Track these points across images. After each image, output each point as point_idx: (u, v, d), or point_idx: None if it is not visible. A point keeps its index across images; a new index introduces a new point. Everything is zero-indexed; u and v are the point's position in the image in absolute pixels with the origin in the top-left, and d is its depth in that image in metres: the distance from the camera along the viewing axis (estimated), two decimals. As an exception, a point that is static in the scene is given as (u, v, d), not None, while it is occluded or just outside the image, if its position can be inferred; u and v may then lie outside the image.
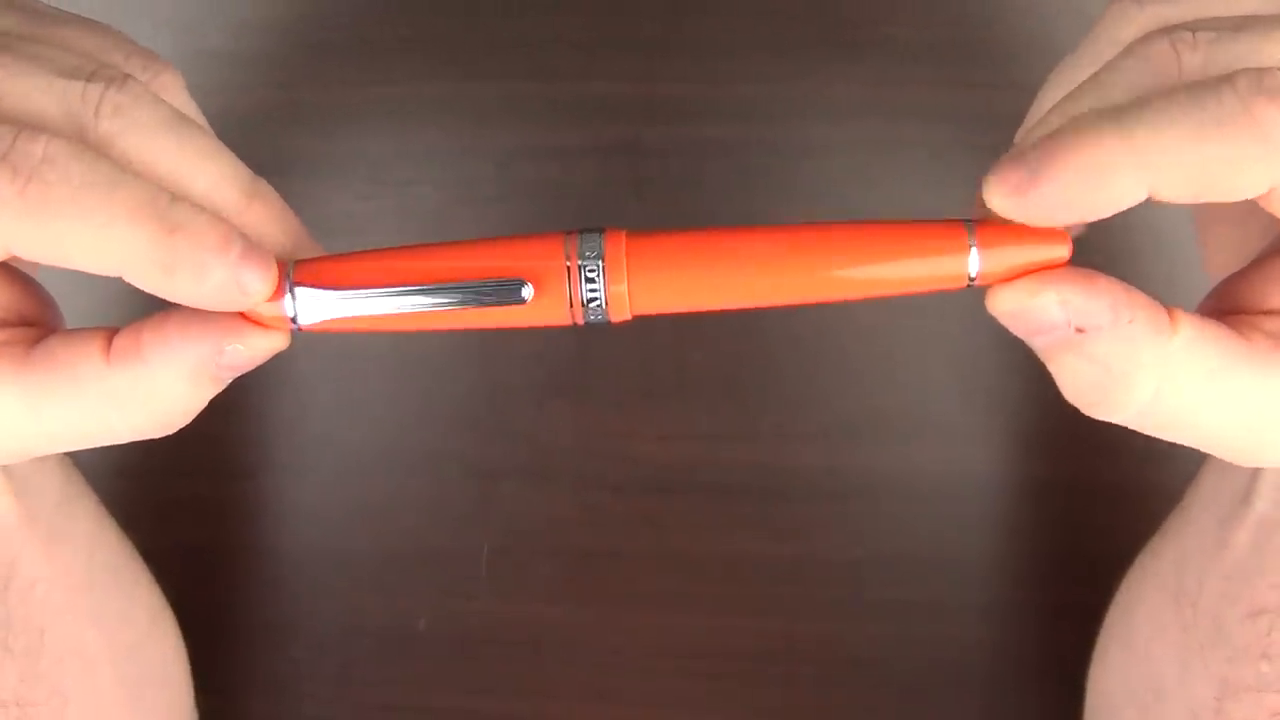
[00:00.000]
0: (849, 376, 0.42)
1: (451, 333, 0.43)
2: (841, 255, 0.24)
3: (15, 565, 0.29)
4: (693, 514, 0.42)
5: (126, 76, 0.24)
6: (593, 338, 0.42)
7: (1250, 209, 0.26)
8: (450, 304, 0.24)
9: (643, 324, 0.41)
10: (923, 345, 0.42)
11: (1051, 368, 0.24)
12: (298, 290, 0.25)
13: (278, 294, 0.24)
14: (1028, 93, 0.41)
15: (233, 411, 0.42)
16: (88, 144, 0.23)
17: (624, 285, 0.25)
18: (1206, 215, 0.29)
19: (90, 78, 0.24)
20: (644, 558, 0.42)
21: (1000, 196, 0.23)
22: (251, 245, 0.24)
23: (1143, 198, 0.22)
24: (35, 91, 0.23)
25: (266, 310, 0.24)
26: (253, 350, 0.25)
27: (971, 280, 0.24)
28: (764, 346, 0.42)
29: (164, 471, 0.43)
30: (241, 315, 0.24)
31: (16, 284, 0.26)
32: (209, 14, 0.43)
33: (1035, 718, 0.41)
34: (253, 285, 0.23)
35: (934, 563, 0.41)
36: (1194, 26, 0.24)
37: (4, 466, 0.29)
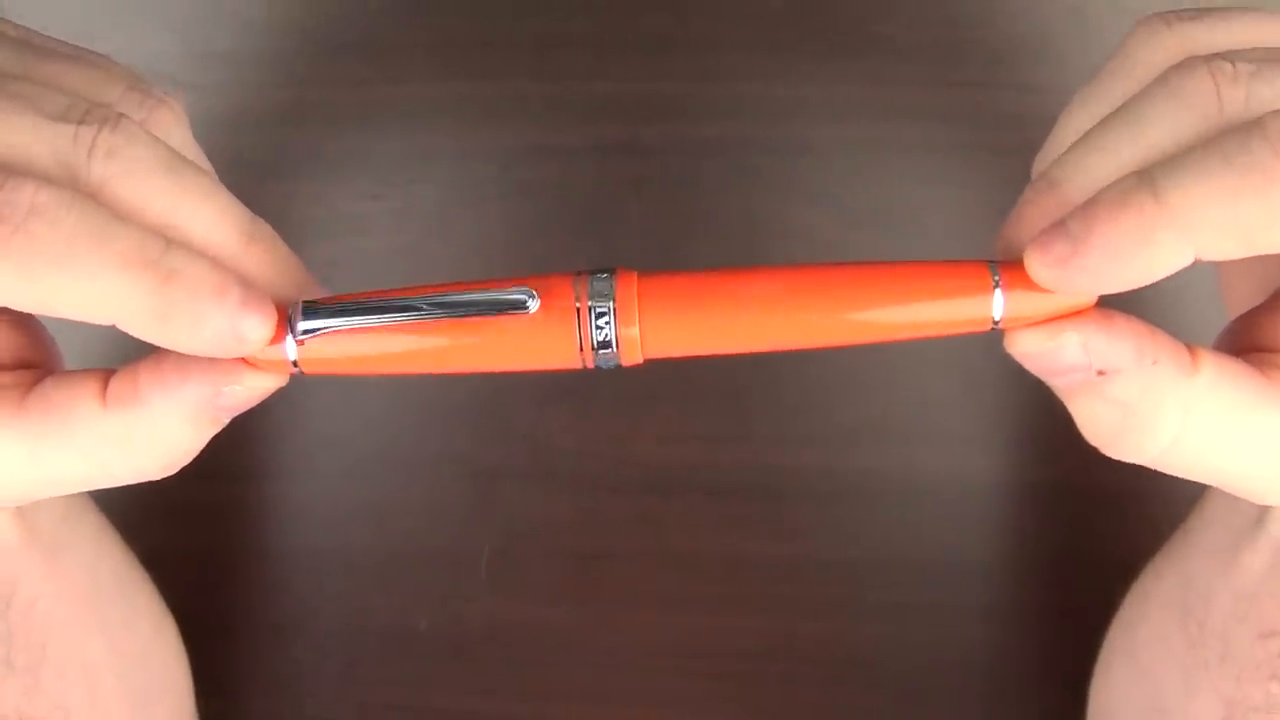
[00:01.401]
0: (849, 378, 0.42)
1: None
2: (862, 298, 0.24)
3: (17, 583, 0.29)
4: (692, 515, 0.42)
5: (120, 116, 0.23)
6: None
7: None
8: (454, 314, 0.24)
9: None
10: (923, 347, 0.42)
11: (1071, 409, 0.24)
12: (302, 309, 0.24)
13: (278, 337, 0.24)
14: (1023, 93, 0.41)
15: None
16: (80, 189, 0.23)
17: (636, 329, 0.24)
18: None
19: (82, 120, 0.23)
20: (643, 558, 0.42)
21: (1044, 268, 0.22)
22: (250, 291, 0.23)
23: (1189, 261, 0.22)
24: (25, 136, 0.23)
25: (266, 354, 0.24)
26: (251, 391, 0.24)
27: (996, 324, 0.23)
28: (764, 347, 0.42)
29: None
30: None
31: (13, 326, 0.25)
32: (215, 14, 0.43)
33: (1035, 719, 0.41)
34: (251, 333, 0.23)
35: (933, 564, 0.41)
36: (1231, 57, 0.23)
37: None
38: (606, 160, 0.42)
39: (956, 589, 0.41)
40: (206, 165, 0.26)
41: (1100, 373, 0.23)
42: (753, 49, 0.42)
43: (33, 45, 0.25)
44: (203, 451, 0.43)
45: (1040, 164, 0.26)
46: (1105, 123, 0.24)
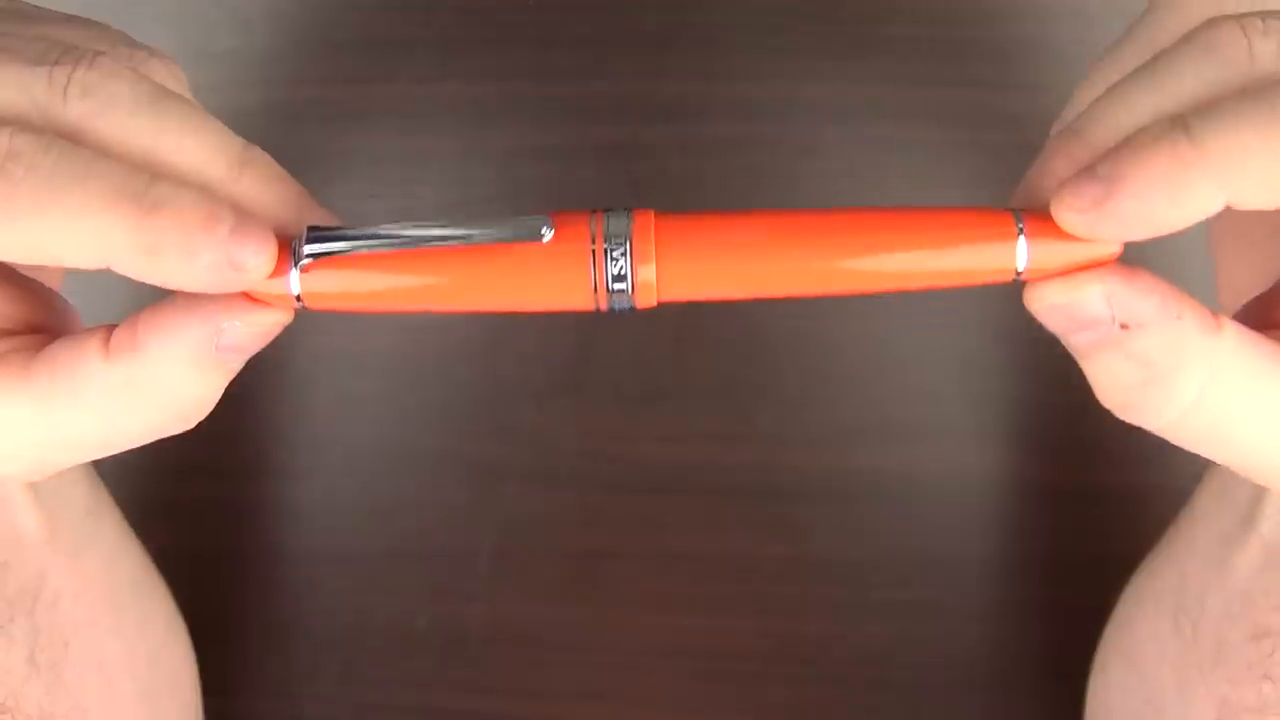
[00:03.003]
0: (850, 377, 0.42)
1: (453, 332, 0.43)
2: (884, 243, 0.23)
3: (43, 580, 0.29)
4: (692, 514, 0.42)
5: (97, 54, 0.23)
6: (593, 337, 0.42)
7: (1273, 231, 0.26)
8: (467, 241, 0.23)
9: (644, 324, 0.42)
10: (923, 347, 0.42)
11: (1089, 368, 0.23)
12: (306, 234, 0.23)
13: (280, 269, 0.23)
14: (1027, 92, 0.41)
15: (232, 412, 0.42)
16: (60, 131, 0.22)
17: (652, 270, 0.23)
18: (1224, 238, 0.29)
19: (58, 61, 0.22)
20: (644, 558, 0.42)
21: (1073, 213, 0.22)
22: (244, 219, 0.22)
23: (1220, 207, 0.21)
24: (1, 85, 0.22)
25: (268, 288, 0.23)
26: (253, 328, 0.23)
27: (1018, 274, 0.23)
28: (764, 347, 0.42)
29: (164, 473, 0.43)
30: (243, 293, 0.23)
31: (19, 291, 0.25)
32: (214, 13, 0.43)
33: (1035, 717, 0.41)
34: (249, 260, 0.22)
35: (934, 563, 0.41)
36: (1262, 15, 0.22)
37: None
38: (606, 160, 0.42)
39: (958, 587, 0.41)
40: (193, 101, 0.25)
41: (1124, 326, 0.22)
42: (753, 49, 0.42)
43: (23, 13, 0.25)
44: (201, 448, 0.43)
45: (1061, 122, 0.25)
46: (1132, 76, 0.23)
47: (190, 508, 0.43)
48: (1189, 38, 0.23)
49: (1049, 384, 0.41)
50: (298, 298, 0.23)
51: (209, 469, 0.43)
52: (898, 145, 0.41)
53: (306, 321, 0.43)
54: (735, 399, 0.42)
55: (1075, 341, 0.23)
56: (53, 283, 0.27)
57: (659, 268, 0.23)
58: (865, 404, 0.42)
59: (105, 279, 0.31)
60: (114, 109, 0.22)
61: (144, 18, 0.43)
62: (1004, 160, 0.39)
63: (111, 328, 0.24)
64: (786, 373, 0.42)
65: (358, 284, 0.23)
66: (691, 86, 0.42)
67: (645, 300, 0.24)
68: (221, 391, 0.24)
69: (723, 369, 0.42)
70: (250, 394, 0.43)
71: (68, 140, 0.22)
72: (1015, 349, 0.41)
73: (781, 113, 0.42)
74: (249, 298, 0.23)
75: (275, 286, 0.23)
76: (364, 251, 0.23)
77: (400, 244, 0.23)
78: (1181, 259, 0.23)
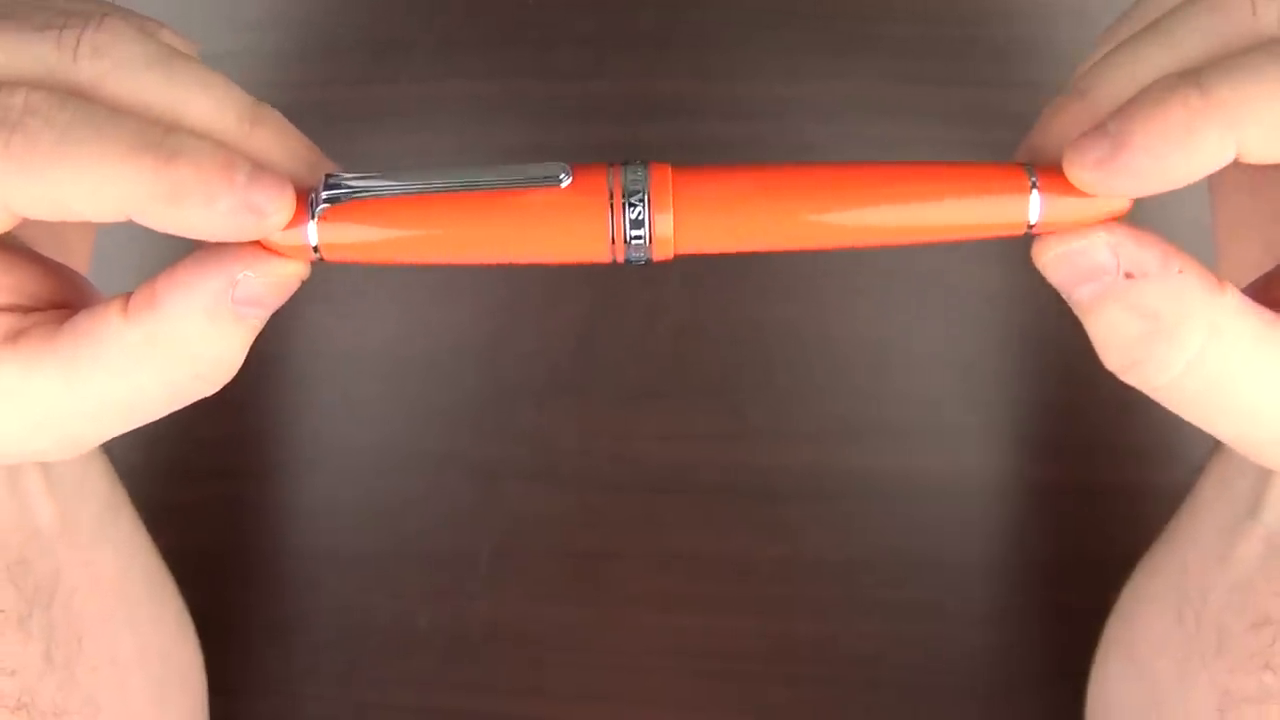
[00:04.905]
0: (849, 376, 0.42)
1: (454, 332, 0.43)
2: (900, 194, 0.23)
3: (58, 575, 0.29)
4: (692, 514, 0.42)
5: (104, 16, 0.23)
6: (594, 336, 0.42)
7: (1275, 216, 0.26)
8: (484, 186, 0.23)
9: (645, 322, 0.42)
10: (921, 346, 0.42)
11: (1092, 324, 0.23)
12: (324, 180, 0.23)
13: (298, 219, 0.23)
14: (1027, 92, 0.41)
15: (233, 412, 0.42)
16: (72, 92, 0.22)
17: (669, 221, 0.23)
18: (1228, 225, 0.29)
19: (65, 24, 0.23)
20: (644, 558, 0.42)
21: (1084, 170, 0.22)
22: (260, 167, 0.22)
23: (1231, 158, 0.22)
24: (10, 50, 0.23)
25: (284, 239, 0.23)
26: (268, 278, 0.23)
27: (1030, 227, 0.23)
28: (763, 346, 0.42)
29: (164, 471, 0.43)
30: (259, 245, 0.23)
31: (44, 269, 0.25)
32: (214, 14, 0.43)
33: (1035, 718, 0.41)
34: (267, 205, 0.22)
35: (933, 563, 0.41)
36: None
37: (48, 474, 0.29)
38: (607, 158, 0.42)
39: (956, 588, 0.41)
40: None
41: (1128, 275, 0.23)
42: (753, 47, 0.42)
43: None
44: (201, 447, 0.43)
45: (1076, 78, 0.25)
46: (1137, 36, 0.23)
47: (191, 507, 0.43)
48: (1193, 1, 0.23)
49: (1050, 384, 0.40)
50: (315, 248, 0.23)
51: (210, 468, 0.43)
52: (897, 144, 0.41)
53: (308, 321, 0.43)
54: (736, 398, 0.42)
55: (1079, 296, 0.23)
56: (79, 268, 0.27)
57: (677, 219, 0.23)
58: (864, 403, 0.42)
59: (128, 267, 0.31)
60: (125, 67, 0.23)
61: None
62: (1003, 159, 0.39)
63: (132, 294, 0.24)
64: (786, 372, 0.42)
65: (374, 233, 0.23)
66: (692, 85, 0.42)
67: (662, 252, 0.24)
68: (243, 352, 0.24)
69: (724, 368, 0.42)
70: (252, 394, 0.43)
71: (81, 97, 0.22)
72: (1015, 348, 0.41)
73: (781, 111, 0.42)
74: (265, 248, 0.23)
75: (293, 237, 0.23)
76: (382, 196, 0.23)
77: (419, 189, 0.23)
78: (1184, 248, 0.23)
